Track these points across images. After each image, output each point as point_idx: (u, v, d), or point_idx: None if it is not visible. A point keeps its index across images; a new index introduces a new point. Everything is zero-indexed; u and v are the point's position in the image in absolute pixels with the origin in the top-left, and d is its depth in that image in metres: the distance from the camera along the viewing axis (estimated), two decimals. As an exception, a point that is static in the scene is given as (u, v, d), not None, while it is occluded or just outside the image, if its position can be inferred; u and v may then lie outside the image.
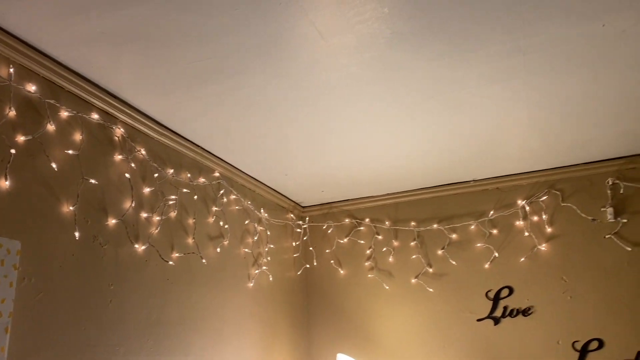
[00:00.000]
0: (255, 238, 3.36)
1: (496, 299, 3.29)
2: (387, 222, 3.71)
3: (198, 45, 2.02)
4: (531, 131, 2.86)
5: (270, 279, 3.41)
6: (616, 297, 3.06)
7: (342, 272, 3.78)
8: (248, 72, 2.21)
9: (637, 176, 3.20)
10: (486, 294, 3.33)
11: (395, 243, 3.66)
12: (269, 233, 3.51)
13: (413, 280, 3.54)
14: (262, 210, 3.45)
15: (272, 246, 3.51)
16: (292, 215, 3.86)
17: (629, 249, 3.10)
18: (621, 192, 3.20)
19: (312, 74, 2.25)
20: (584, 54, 2.16)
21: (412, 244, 3.60)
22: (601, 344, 3.03)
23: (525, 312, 3.21)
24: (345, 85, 2.34)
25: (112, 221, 2.27)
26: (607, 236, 3.16)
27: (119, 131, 2.38)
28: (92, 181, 2.20)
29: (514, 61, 2.19)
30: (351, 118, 2.65)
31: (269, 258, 3.45)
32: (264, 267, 3.37)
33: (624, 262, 3.10)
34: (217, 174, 3.05)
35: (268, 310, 3.36)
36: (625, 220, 3.15)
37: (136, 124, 2.48)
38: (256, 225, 3.39)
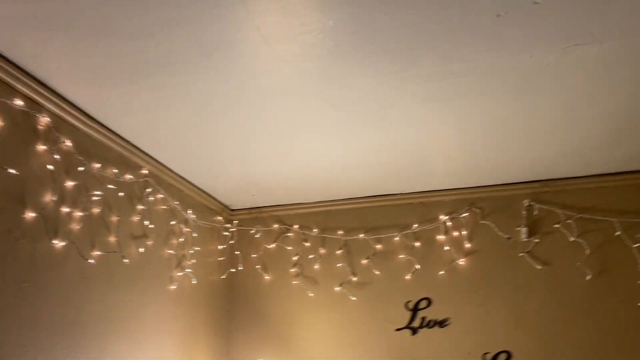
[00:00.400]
0: (181, 240, 3.29)
1: (415, 310, 3.40)
2: (315, 230, 3.75)
3: (133, 38, 1.97)
4: (456, 151, 2.99)
5: (194, 281, 3.35)
6: (525, 312, 3.25)
7: (267, 277, 3.77)
8: (185, 70, 2.17)
9: (550, 199, 3.42)
10: (406, 305, 3.43)
11: (322, 251, 3.70)
12: (195, 235, 3.44)
13: (337, 288, 3.60)
14: (189, 211, 3.38)
15: (197, 248, 3.45)
16: (220, 217, 3.81)
17: (539, 267, 3.31)
18: (535, 213, 3.41)
19: (251, 78, 2.24)
20: (510, 82, 2.29)
21: (338, 252, 3.66)
22: (509, 356, 3.20)
23: (442, 324, 3.34)
24: (285, 93, 2.36)
25: (30, 214, 2.15)
26: (520, 254, 3.36)
27: (44, 120, 2.27)
28: (11, 171, 2.07)
29: (445, 83, 2.28)
30: (287, 125, 2.67)
31: (193, 260, 3.38)
32: (188, 270, 3.30)
33: (534, 279, 3.31)
34: (145, 171, 2.96)
35: (189, 313, 3.30)
36: (537, 240, 3.36)
37: (63, 114, 2.37)
38: (182, 227, 3.32)
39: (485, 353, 3.24)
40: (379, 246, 3.59)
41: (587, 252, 3.26)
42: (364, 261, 3.59)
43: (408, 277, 3.48)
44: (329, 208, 3.77)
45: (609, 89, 2.36)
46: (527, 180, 3.45)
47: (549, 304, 3.24)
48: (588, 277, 3.22)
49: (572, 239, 3.30)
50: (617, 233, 3.25)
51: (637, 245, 3.19)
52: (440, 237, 3.50)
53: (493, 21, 1.88)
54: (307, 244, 3.74)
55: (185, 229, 3.34)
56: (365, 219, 3.67)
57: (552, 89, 2.35)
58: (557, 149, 2.98)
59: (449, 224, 3.52)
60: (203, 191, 3.56)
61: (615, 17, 1.87)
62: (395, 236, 3.57)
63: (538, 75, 2.23)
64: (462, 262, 3.42)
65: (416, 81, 2.26)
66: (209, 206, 3.70)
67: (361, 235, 3.64)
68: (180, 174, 3.28)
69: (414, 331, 3.38)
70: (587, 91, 2.37)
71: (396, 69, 2.18)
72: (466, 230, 3.48)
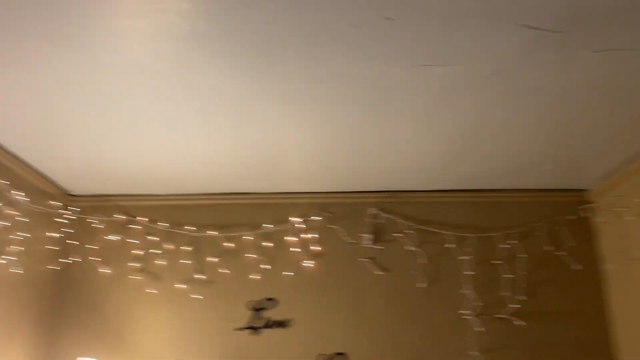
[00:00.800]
0: (6, 223, 2.94)
1: (259, 310, 3.38)
2: (163, 223, 3.58)
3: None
4: (311, 155, 3.04)
5: (17, 271, 3.01)
6: (363, 316, 3.39)
7: (105, 271, 3.52)
8: (22, 35, 1.94)
9: (394, 209, 3.61)
10: (250, 304, 3.40)
11: (169, 246, 3.54)
12: (25, 220, 3.10)
13: (181, 285, 3.46)
14: (18, 193, 3.04)
15: (26, 235, 3.11)
16: (56, 203, 3.48)
17: (379, 273, 3.47)
18: (380, 221, 3.58)
19: (99, 53, 2.07)
20: (364, 94, 2.37)
21: (186, 248, 3.53)
22: (345, 357, 3.31)
23: (284, 324, 3.37)
24: (134, 73, 2.21)
25: None
26: (362, 259, 3.50)
27: None
28: None
29: (302, 87, 2.30)
30: (136, 109, 2.51)
31: (20, 248, 3.04)
32: (10, 257, 2.96)
33: (373, 284, 3.46)
34: (-34, 143, 2.61)
35: (5, 306, 2.96)
36: (380, 248, 3.53)
37: None
38: (9, 209, 2.97)
39: (321, 354, 3.31)
40: (229, 244, 3.53)
41: (423, 261, 3.49)
42: (213, 259, 3.50)
43: (256, 276, 3.46)
44: (180, 202, 3.63)
45: (452, 111, 2.54)
46: (375, 189, 3.61)
47: (385, 309, 3.41)
48: (421, 285, 3.45)
49: (409, 248, 3.51)
50: (449, 245, 3.52)
51: (464, 257, 3.48)
52: (291, 239, 3.53)
53: (349, 31, 1.92)
54: (153, 238, 3.56)
55: (13, 212, 3.00)
56: (218, 216, 3.59)
57: (403, 105, 2.48)
58: (405, 163, 3.16)
59: (300, 226, 3.56)
60: (38, 172, 3.23)
61: (460, 44, 2.01)
62: (247, 235, 3.53)
63: (390, 90, 2.33)
64: (309, 264, 3.48)
65: (274, 80, 2.25)
66: (45, 190, 3.37)
67: (212, 232, 3.54)
68: (12, 151, 2.94)
69: (256, 331, 3.36)
70: (433, 111, 2.53)
71: (255, 65, 2.15)
72: (316, 233, 3.55)
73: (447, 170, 3.30)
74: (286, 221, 3.57)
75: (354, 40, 1.98)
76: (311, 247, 3.52)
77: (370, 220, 3.58)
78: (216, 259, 3.48)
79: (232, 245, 3.52)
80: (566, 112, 2.55)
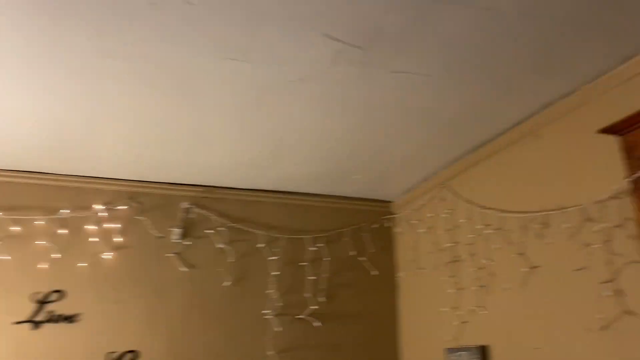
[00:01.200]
0: None
1: (43, 302, 3.07)
2: None
3: None
4: (119, 139, 2.84)
5: None
6: (162, 313, 3.24)
7: None
8: None
9: (208, 205, 3.53)
10: (34, 296, 3.07)
11: (-61, 225, 3.07)
12: None
13: (-51, 271, 3.01)
14: None
15: None
16: None
17: (184, 269, 3.36)
18: (192, 216, 3.47)
19: None
20: (171, 79, 2.25)
21: (-39, 229, 3.08)
22: (136, 355, 3.14)
23: (70, 319, 3.09)
24: None
25: None
26: (168, 254, 3.36)
27: None
28: None
29: (98, 62, 2.10)
30: None
31: None
32: None
33: (177, 281, 3.34)
34: None
35: None
36: (188, 243, 3.42)
37: None
38: None
39: (111, 352, 3.10)
40: (15, 228, 3.15)
41: (231, 259, 3.45)
42: (-7, 243, 3.09)
43: (45, 265, 3.13)
44: (-40, 175, 3.16)
45: (262, 111, 2.53)
46: (190, 183, 3.50)
47: (187, 306, 3.31)
48: (227, 284, 3.40)
49: (219, 245, 3.46)
50: (260, 245, 3.53)
51: (272, 258, 3.52)
52: (90, 227, 3.26)
53: (147, 10, 1.80)
54: None
55: None
56: (5, 196, 3.19)
57: (211, 98, 2.41)
58: (218, 159, 3.09)
59: (103, 214, 3.31)
60: None
61: (265, 43, 2.00)
62: (39, 219, 3.19)
63: (197, 79, 2.25)
64: (108, 256, 3.24)
65: (66, 51, 2.03)
66: None
67: (-4, 214, 3.14)
68: None
69: (37, 325, 3.03)
70: (243, 109, 2.50)
71: (46, 31, 1.92)
72: (120, 223, 3.32)
73: (262, 171, 3.30)
74: (87, 208, 3.30)
75: (153, 21, 1.87)
76: (113, 238, 3.29)
77: (181, 215, 3.46)
78: (-2, 244, 3.09)
79: (19, 229, 3.15)
80: (368, 126, 2.69)
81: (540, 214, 2.51)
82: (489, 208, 2.88)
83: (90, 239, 3.24)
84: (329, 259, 3.62)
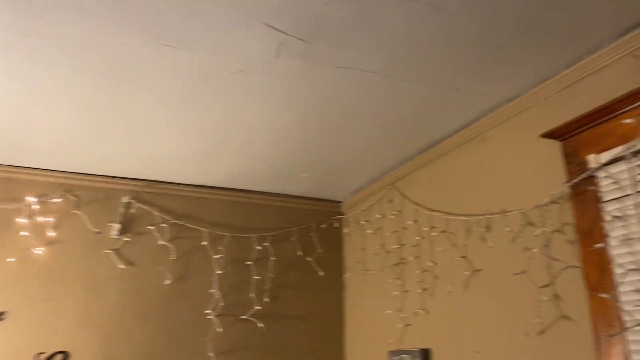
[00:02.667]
0: None
1: (-35, 300, 2.87)
2: None
3: None
4: (53, 127, 2.67)
5: None
6: (96, 311, 3.09)
7: None
8: None
9: (150, 200, 3.40)
10: (-46, 293, 2.87)
11: None
12: None
13: None
14: None
15: None
16: None
17: (122, 266, 3.21)
18: (132, 211, 3.33)
19: None
20: (105, 66, 2.12)
21: None
22: (66, 356, 2.97)
23: (-5, 318, 2.90)
24: None
25: None
26: (106, 251, 3.20)
27: None
28: None
29: (20, 40, 1.95)
30: None
31: None
32: None
33: (114, 278, 3.19)
34: None
35: None
36: (128, 239, 3.27)
37: None
38: None
39: (40, 353, 2.93)
40: (-63, 219, 2.94)
41: (173, 257, 3.33)
42: None
43: (-33, 260, 2.93)
44: None
45: (202, 103, 2.42)
46: (132, 177, 3.35)
47: (123, 305, 3.16)
48: (167, 282, 3.28)
49: (161, 242, 3.33)
50: (204, 243, 3.42)
51: (217, 256, 3.41)
52: (21, 221, 3.08)
53: (75, -12, 1.69)
54: None
55: None
56: None
57: (151, 87, 2.29)
58: (159, 151, 2.97)
59: (35, 207, 3.13)
60: None
61: (201, 30, 1.90)
62: (-36, 211, 2.99)
63: (133, 67, 2.13)
64: (39, 251, 3.07)
65: (-14, 28, 1.88)
66: None
67: None
68: None
69: (-43, 325, 2.84)
70: (181, 99, 2.39)
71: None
72: (54, 217, 3.15)
73: (205, 166, 3.19)
74: (17, 200, 3.11)
75: (81, 1, 1.74)
76: (45, 232, 3.12)
77: (121, 209, 3.31)
78: None
79: (-59, 221, 2.95)
80: (314, 123, 2.63)
81: (483, 217, 2.50)
82: (435, 210, 2.86)
83: (21, 233, 3.05)
84: (275, 258, 3.54)
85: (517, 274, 2.22)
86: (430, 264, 2.83)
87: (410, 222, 3.05)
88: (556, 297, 2.06)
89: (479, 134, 2.61)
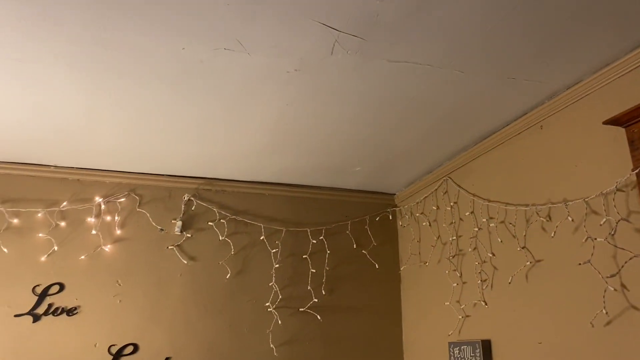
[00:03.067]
0: None
1: (43, 295, 3.06)
2: None
3: None
4: (118, 130, 2.80)
5: None
6: (161, 306, 3.23)
7: None
8: None
9: (209, 197, 3.51)
10: (33, 289, 3.06)
11: (-61, 217, 3.06)
12: None
13: (-51, 264, 3.01)
14: None
15: None
16: None
17: (186, 262, 3.34)
18: (193, 209, 3.45)
19: None
20: (165, 70, 2.21)
21: (-39, 221, 3.07)
22: (136, 348, 3.13)
23: (70, 312, 3.08)
24: None
25: None
26: (169, 247, 3.34)
27: None
28: None
29: (94, 53, 2.07)
30: None
31: None
32: None
33: (178, 273, 3.32)
34: None
35: None
36: (189, 235, 3.40)
37: None
38: None
39: (112, 345, 3.09)
40: (15, 220, 3.14)
41: (232, 252, 3.43)
42: (-7, 235, 3.08)
43: (43, 258, 3.12)
44: (-42, 168, 3.15)
45: (263, 101, 2.49)
46: (191, 175, 3.47)
47: (188, 299, 3.29)
48: (227, 276, 3.38)
49: (221, 238, 3.43)
50: (262, 237, 3.51)
51: (275, 250, 3.49)
52: (91, 220, 3.25)
53: (142, 1, 1.77)
54: None
55: None
56: (5, 188, 3.17)
57: (210, 89, 2.37)
58: (219, 150, 3.06)
59: (103, 207, 3.29)
60: None
61: (260, 33, 1.95)
62: (39, 212, 3.17)
63: (193, 70, 2.21)
64: (107, 248, 3.23)
65: (57, 39, 1.99)
66: None
67: (-4, 206, 3.12)
68: None
69: (37, 318, 3.02)
70: (242, 98, 2.46)
71: (34, 18, 1.88)
72: (120, 216, 3.31)
73: (262, 162, 3.26)
74: (87, 200, 3.28)
75: (149, 11, 1.83)
76: (113, 231, 3.28)
77: (182, 207, 3.43)
78: (-2, 236, 3.08)
79: (19, 222, 3.14)
80: (367, 118, 2.65)
81: (544, 206, 2.46)
82: (493, 201, 2.83)
83: (89, 232, 3.22)
84: (330, 252, 3.59)
85: (581, 263, 2.18)
86: (489, 255, 2.81)
87: (467, 214, 3.03)
88: (623, 287, 2.02)
89: (537, 122, 2.57)
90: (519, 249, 2.59)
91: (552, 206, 2.41)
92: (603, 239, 2.10)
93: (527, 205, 2.57)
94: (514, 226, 2.63)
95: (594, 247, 2.14)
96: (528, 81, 2.30)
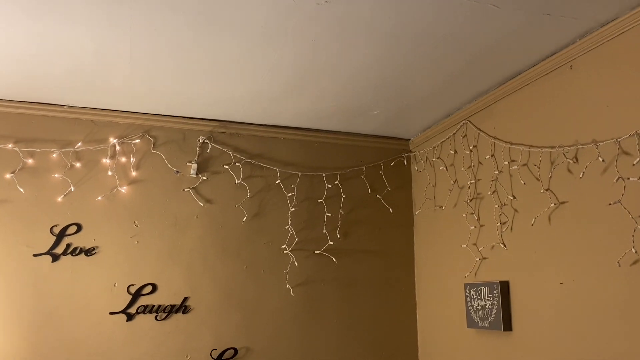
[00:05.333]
0: None
1: (61, 235, 3.05)
2: (-54, 129, 3.02)
3: None
4: (131, 68, 2.73)
5: None
6: (178, 247, 3.24)
7: None
8: None
9: (224, 140, 3.47)
10: (51, 229, 3.05)
11: (-48, 156, 3.01)
12: None
13: (-35, 203, 2.98)
14: None
15: None
16: None
17: (202, 204, 3.33)
18: (208, 151, 3.41)
19: None
20: (188, 5, 2.13)
21: (-25, 161, 3.03)
22: (154, 288, 3.16)
23: (89, 252, 3.08)
24: None
25: None
26: (185, 189, 3.32)
27: None
28: None
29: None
30: None
31: None
32: None
33: (195, 215, 3.31)
34: None
35: None
36: (205, 178, 3.38)
37: None
38: None
39: (131, 285, 3.12)
40: (30, 160, 3.10)
41: (248, 195, 3.42)
42: (8, 175, 3.04)
43: (60, 199, 3.10)
44: (-29, 106, 3.08)
45: (286, 39, 2.41)
46: (206, 117, 3.42)
47: (204, 241, 3.30)
48: (244, 219, 3.38)
49: (237, 181, 3.41)
50: (277, 181, 3.49)
51: (290, 194, 3.48)
52: (106, 161, 3.21)
53: None
54: None
55: None
56: (19, 127, 3.11)
57: (235, 24, 2.28)
58: (235, 91, 2.99)
59: (118, 148, 3.25)
60: None
61: (294, -41, 1.87)
62: (54, 152, 3.13)
63: (214, 3, 2.12)
64: (124, 189, 3.21)
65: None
66: None
67: (10, 145, 3.07)
68: None
69: (56, 258, 3.03)
70: (266, 34, 2.38)
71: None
72: (135, 157, 3.27)
73: (279, 105, 3.21)
74: (101, 141, 3.23)
75: None
76: (128, 172, 3.25)
77: (197, 150, 3.39)
78: (13, 177, 3.04)
79: (34, 162, 3.10)
80: (393, 57, 2.58)
81: (571, 147, 2.44)
82: (515, 144, 2.80)
83: (105, 173, 3.19)
84: (345, 196, 3.59)
85: (612, 203, 2.17)
86: (509, 197, 2.80)
87: (487, 157, 3.01)
88: (654, 226, 2.02)
89: (567, 62, 2.51)
90: (542, 191, 2.58)
91: (580, 147, 2.39)
92: (636, 179, 2.09)
93: (552, 147, 2.55)
94: (539, 168, 2.62)
95: (624, 187, 2.13)
96: (563, 17, 2.23)
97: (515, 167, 2.77)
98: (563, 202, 2.47)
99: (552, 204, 2.52)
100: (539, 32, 2.37)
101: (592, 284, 2.27)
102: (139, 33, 2.37)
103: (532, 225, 2.63)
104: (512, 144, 2.83)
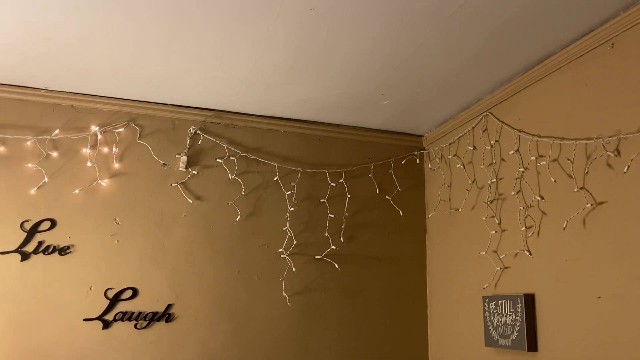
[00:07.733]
0: None
1: (32, 232, 2.75)
2: None
3: None
4: (120, 52, 2.44)
5: None
6: (163, 248, 2.92)
7: None
8: None
9: (218, 131, 3.15)
10: (22, 225, 2.75)
11: None
12: None
13: None
14: None
15: None
16: None
17: (191, 201, 3.01)
18: (199, 143, 3.10)
19: None
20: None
21: (-59, 147, 2.74)
22: (135, 293, 2.84)
23: (63, 251, 2.77)
24: None
25: None
26: (173, 184, 3.01)
27: None
28: None
29: None
30: None
31: None
32: None
33: (183, 213, 3.00)
34: None
35: None
36: (195, 172, 3.06)
37: None
38: None
39: (109, 288, 2.80)
40: (1, 148, 2.80)
41: (243, 192, 3.10)
42: (-23, 165, 2.76)
43: (33, 191, 2.79)
44: (-62, 87, 2.80)
45: (283, 13, 2.09)
46: (199, 106, 3.11)
47: (192, 242, 2.98)
48: (237, 218, 3.06)
49: (231, 177, 3.09)
50: (275, 178, 3.17)
51: (290, 192, 3.16)
52: (86, 151, 2.91)
53: None
54: None
55: None
56: (-10, 112, 2.83)
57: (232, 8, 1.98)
58: (231, 74, 2.68)
59: (99, 137, 2.95)
60: None
61: None
62: (28, 139, 2.84)
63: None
64: (104, 183, 2.90)
65: None
66: None
67: (-20, 132, 2.79)
68: None
69: (25, 256, 2.72)
70: (259, 7, 2.06)
71: None
72: (118, 148, 2.96)
73: (276, 92, 2.88)
74: (82, 129, 2.93)
75: None
76: (110, 164, 2.94)
77: (188, 141, 3.08)
78: (-17, 165, 2.75)
79: (6, 150, 2.80)
80: (404, 36, 2.25)
81: (612, 138, 2.08)
82: (544, 136, 2.45)
83: (84, 164, 2.89)
84: (350, 196, 3.25)
85: (665, 202, 1.81)
86: (536, 198, 2.45)
87: (510, 152, 2.65)
88: None
89: (607, 40, 2.16)
90: (576, 189, 2.22)
91: (623, 137, 2.03)
92: (697, 172, 1.73)
93: (589, 139, 2.19)
94: (572, 163, 2.26)
95: (681, 182, 1.77)
96: (604, -14, 1.89)
97: (544, 162, 2.42)
98: (601, 203, 2.11)
99: (588, 205, 2.16)
100: (574, 6, 2.02)
101: (635, 298, 1.91)
102: (121, 10, 2.07)
103: (564, 229, 2.27)
104: (540, 136, 2.47)
